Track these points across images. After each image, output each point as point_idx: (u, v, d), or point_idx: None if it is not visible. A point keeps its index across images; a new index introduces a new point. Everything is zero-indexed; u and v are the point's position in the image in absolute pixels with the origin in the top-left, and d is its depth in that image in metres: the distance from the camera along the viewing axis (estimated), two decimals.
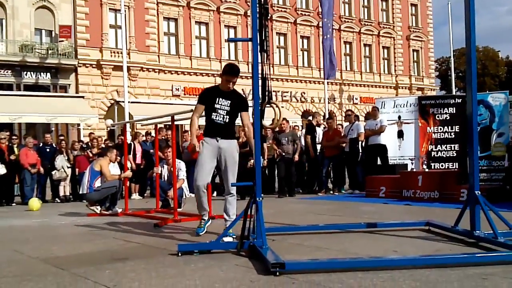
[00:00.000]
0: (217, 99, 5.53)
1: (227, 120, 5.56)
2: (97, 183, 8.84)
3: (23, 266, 4.50)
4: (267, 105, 5.39)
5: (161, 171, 9.24)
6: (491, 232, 4.72)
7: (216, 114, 5.52)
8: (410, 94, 39.04)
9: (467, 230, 5.12)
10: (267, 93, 5.32)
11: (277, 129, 12.11)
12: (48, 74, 26.29)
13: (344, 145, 11.80)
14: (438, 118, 11.80)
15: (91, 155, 12.24)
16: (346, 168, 12.16)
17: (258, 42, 5.02)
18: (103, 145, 12.99)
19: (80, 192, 9.32)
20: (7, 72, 25.11)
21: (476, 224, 5.01)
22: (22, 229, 7.32)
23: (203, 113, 5.63)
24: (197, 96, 5.66)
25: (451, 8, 28.76)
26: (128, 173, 9.50)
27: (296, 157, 11.49)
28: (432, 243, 5.09)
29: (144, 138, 13.70)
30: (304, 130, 13.15)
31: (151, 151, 12.77)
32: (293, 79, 35.37)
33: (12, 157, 11.63)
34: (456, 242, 5.03)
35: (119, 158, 10.66)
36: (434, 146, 11.78)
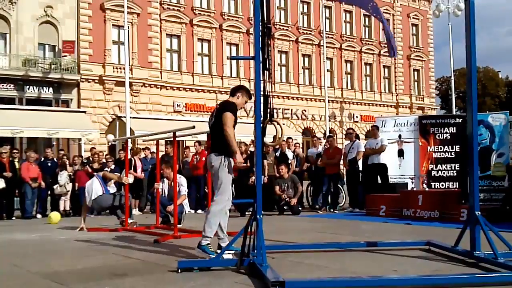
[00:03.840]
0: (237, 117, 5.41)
1: None
2: (111, 189, 8.96)
3: (23, 281, 4.50)
4: (269, 123, 5.40)
5: (162, 186, 9.22)
6: (491, 252, 4.72)
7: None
8: (411, 113, 39.13)
9: (467, 250, 5.12)
10: (269, 110, 5.32)
11: (277, 146, 12.12)
12: (51, 89, 26.38)
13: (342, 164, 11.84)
14: (438, 138, 11.82)
15: (90, 170, 12.23)
16: (346, 186, 12.16)
17: (261, 60, 5.06)
18: (103, 160, 13.01)
19: (92, 198, 8.81)
20: (9, 86, 25.21)
21: (476, 244, 5.01)
22: (22, 243, 7.32)
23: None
24: (227, 107, 5.29)
25: (451, 28, 28.96)
26: (127, 179, 9.19)
27: (294, 201, 11.24)
28: (432, 263, 5.08)
29: (143, 155, 13.71)
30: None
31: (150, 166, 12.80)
32: (294, 96, 35.49)
33: (7, 174, 11.51)
34: (456, 262, 5.03)
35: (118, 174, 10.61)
36: (434, 165, 11.78)
